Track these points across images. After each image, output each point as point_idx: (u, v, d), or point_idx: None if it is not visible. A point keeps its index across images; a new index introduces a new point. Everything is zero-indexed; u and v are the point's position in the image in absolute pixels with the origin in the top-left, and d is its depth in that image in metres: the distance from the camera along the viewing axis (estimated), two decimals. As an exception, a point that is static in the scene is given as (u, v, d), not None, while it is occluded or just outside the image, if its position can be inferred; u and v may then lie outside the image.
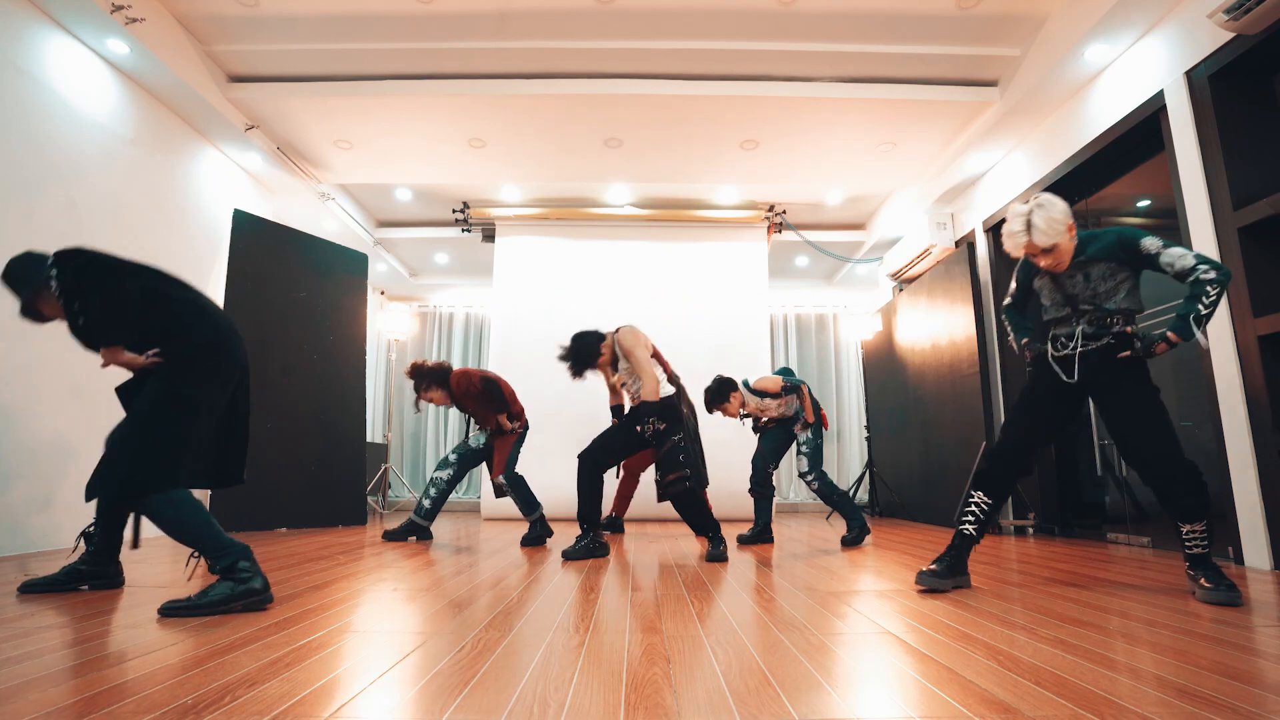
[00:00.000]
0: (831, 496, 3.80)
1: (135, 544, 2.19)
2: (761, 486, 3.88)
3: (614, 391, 3.71)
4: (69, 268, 1.93)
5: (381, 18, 3.93)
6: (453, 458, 4.03)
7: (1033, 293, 2.51)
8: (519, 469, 4.83)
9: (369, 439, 6.76)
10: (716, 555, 3.06)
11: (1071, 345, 2.32)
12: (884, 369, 6.86)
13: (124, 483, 1.89)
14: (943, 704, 1.15)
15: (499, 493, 3.99)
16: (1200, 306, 2.11)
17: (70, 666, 1.35)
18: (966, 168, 5.12)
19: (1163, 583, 2.48)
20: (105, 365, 2.00)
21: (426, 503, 4.00)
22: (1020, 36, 4.04)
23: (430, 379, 4.04)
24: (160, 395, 1.96)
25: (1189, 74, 3.27)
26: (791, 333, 8.12)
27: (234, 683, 1.24)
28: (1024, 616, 1.87)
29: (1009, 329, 2.64)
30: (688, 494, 3.15)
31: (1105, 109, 3.87)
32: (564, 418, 5.99)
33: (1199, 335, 2.13)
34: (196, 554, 2.03)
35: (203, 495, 4.33)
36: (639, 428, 3.18)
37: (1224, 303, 3.07)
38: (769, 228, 6.56)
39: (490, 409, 3.98)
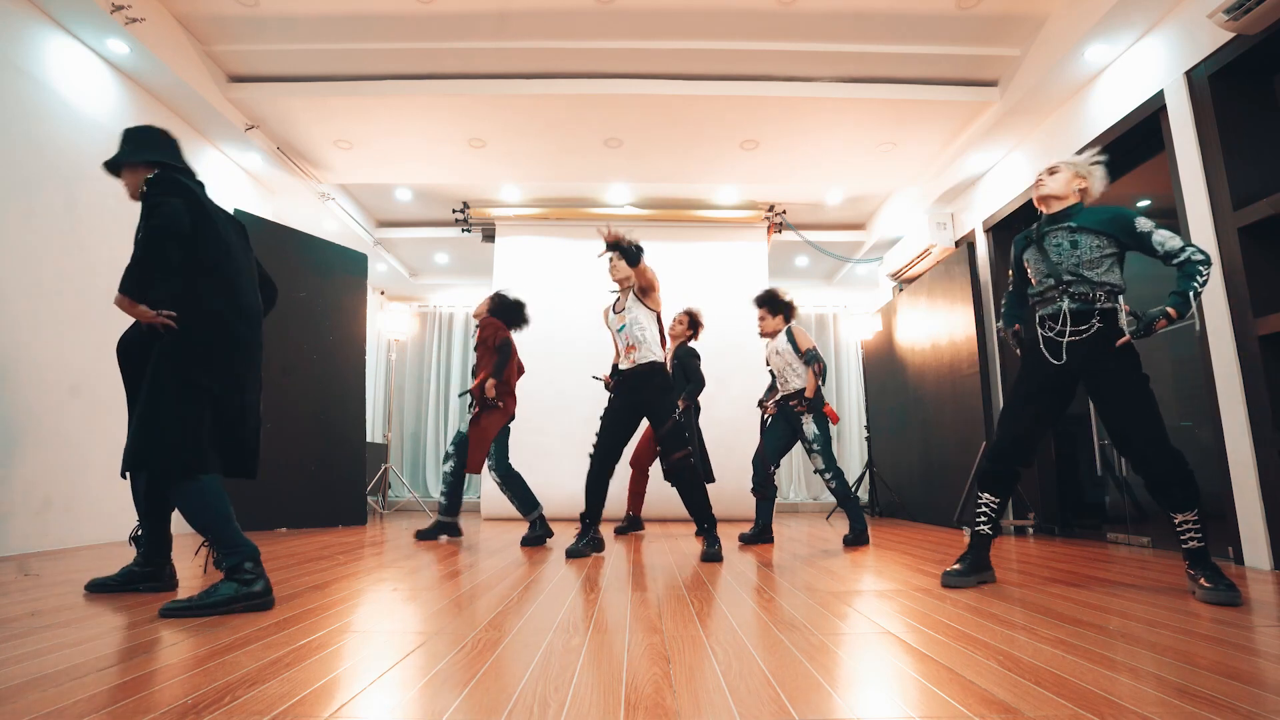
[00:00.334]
0: (848, 497, 3.79)
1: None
2: (763, 487, 3.88)
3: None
4: (167, 180, 1.97)
5: (381, 18, 3.94)
6: (451, 449, 4.06)
7: (1025, 273, 2.55)
8: (517, 468, 4.82)
9: (369, 439, 6.76)
10: (712, 555, 3.07)
11: (1059, 327, 2.35)
12: (884, 369, 6.86)
13: (141, 462, 1.90)
14: (943, 704, 1.15)
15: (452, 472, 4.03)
16: (1196, 284, 2.19)
17: (70, 667, 1.35)
18: (966, 168, 5.12)
19: (1163, 583, 2.48)
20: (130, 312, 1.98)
21: (444, 500, 4.05)
22: (1020, 36, 4.04)
23: (496, 304, 4.17)
24: (162, 378, 1.93)
25: (1189, 74, 3.27)
26: (791, 333, 8.11)
27: (234, 683, 1.24)
28: (1024, 616, 1.87)
29: (1001, 314, 2.69)
30: (693, 472, 3.18)
31: (1105, 109, 3.87)
32: (564, 418, 5.99)
33: (1192, 309, 2.21)
34: (207, 543, 2.02)
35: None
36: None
37: (1224, 303, 3.07)
38: (769, 228, 6.56)
39: (486, 365, 3.96)
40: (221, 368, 2.00)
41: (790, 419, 3.91)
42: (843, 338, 8.09)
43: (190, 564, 2.84)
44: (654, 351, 3.30)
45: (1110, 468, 4.22)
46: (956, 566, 2.44)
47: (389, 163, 5.43)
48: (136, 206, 3.94)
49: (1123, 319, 2.29)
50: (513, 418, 4.07)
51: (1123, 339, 2.26)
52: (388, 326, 7.36)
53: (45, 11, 3.41)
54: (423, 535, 4.04)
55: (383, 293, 8.02)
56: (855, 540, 3.76)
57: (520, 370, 4.16)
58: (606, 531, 4.56)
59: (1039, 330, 2.43)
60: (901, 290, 6.55)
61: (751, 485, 3.91)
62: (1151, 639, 1.62)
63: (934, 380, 5.68)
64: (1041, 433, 2.44)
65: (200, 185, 2.17)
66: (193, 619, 1.81)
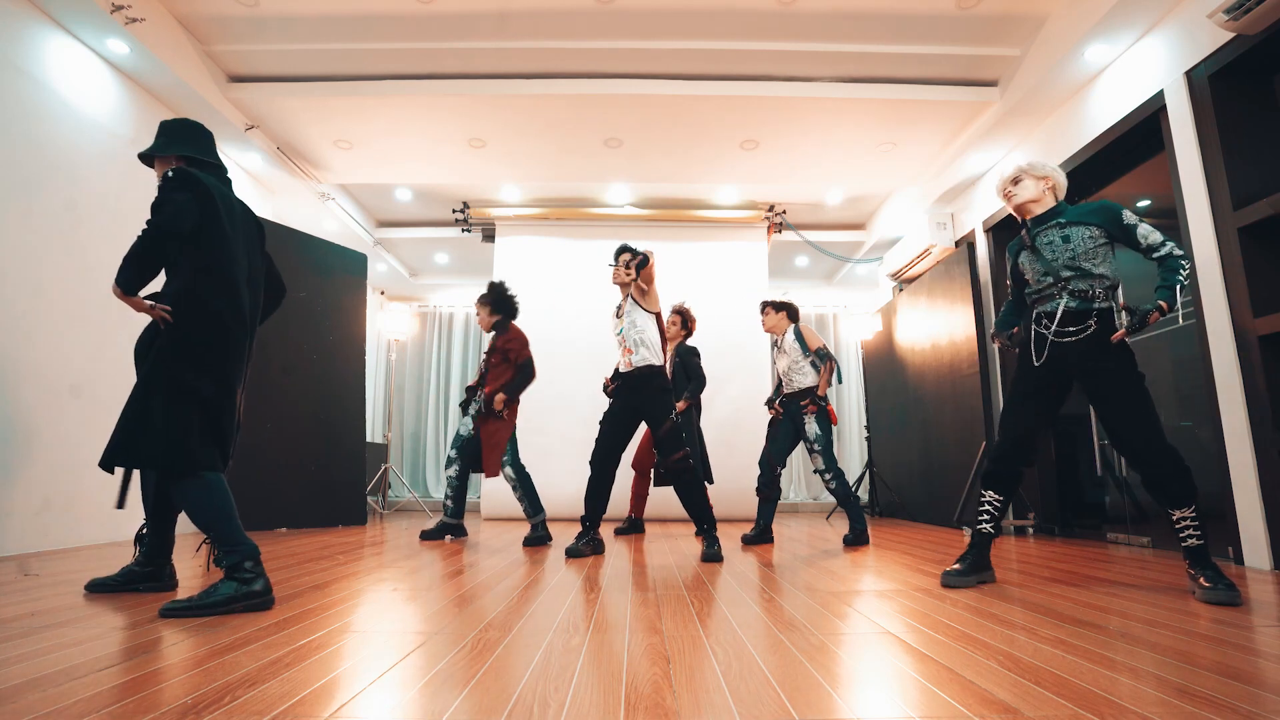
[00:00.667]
0: (848, 498, 3.80)
1: (120, 504, 2.16)
2: (769, 488, 3.88)
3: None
4: (181, 175, 1.99)
5: (381, 18, 3.93)
6: (453, 453, 4.07)
7: (1022, 279, 2.56)
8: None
9: (369, 439, 6.76)
10: (712, 555, 3.07)
11: (1055, 324, 2.37)
12: (884, 369, 6.86)
13: (122, 457, 1.90)
14: (943, 704, 1.15)
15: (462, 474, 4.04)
16: (1180, 277, 2.23)
17: (70, 667, 1.35)
18: (966, 168, 5.12)
19: (1163, 583, 2.48)
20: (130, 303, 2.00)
21: (449, 504, 4.07)
22: (1020, 36, 4.03)
23: (499, 304, 4.14)
24: (156, 375, 1.94)
25: (1189, 74, 3.27)
26: (791, 333, 8.11)
27: (234, 683, 1.24)
28: (1024, 616, 1.87)
29: (996, 322, 2.72)
30: (691, 474, 3.19)
31: (1105, 109, 3.87)
32: (564, 418, 5.99)
33: (1177, 303, 2.25)
34: (208, 541, 2.02)
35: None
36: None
37: (1224, 303, 3.07)
38: (769, 228, 6.56)
39: (504, 380, 3.97)
40: (214, 368, 2.00)
41: (795, 419, 3.91)
42: (843, 338, 8.09)
43: (191, 563, 2.84)
44: (653, 354, 3.30)
45: (1110, 468, 4.22)
46: (956, 566, 2.45)
47: (389, 163, 5.43)
48: (134, 209, 3.95)
49: (1120, 316, 2.31)
50: (514, 418, 4.09)
51: (1119, 334, 2.28)
52: (388, 326, 7.36)
53: (45, 11, 3.41)
54: (427, 535, 4.05)
55: (383, 293, 8.02)
56: (855, 540, 3.77)
57: (533, 375, 4.12)
58: (606, 532, 4.56)
59: (1035, 326, 2.45)
60: (901, 290, 6.55)
61: (757, 485, 3.91)
62: (1151, 639, 1.62)
63: (934, 380, 5.68)
64: (1043, 430, 2.46)
65: (225, 181, 2.19)
66: (193, 619, 1.81)
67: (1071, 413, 3.40)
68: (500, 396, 3.92)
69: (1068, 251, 2.36)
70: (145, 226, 1.93)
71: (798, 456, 7.76)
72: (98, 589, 2.20)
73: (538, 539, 3.79)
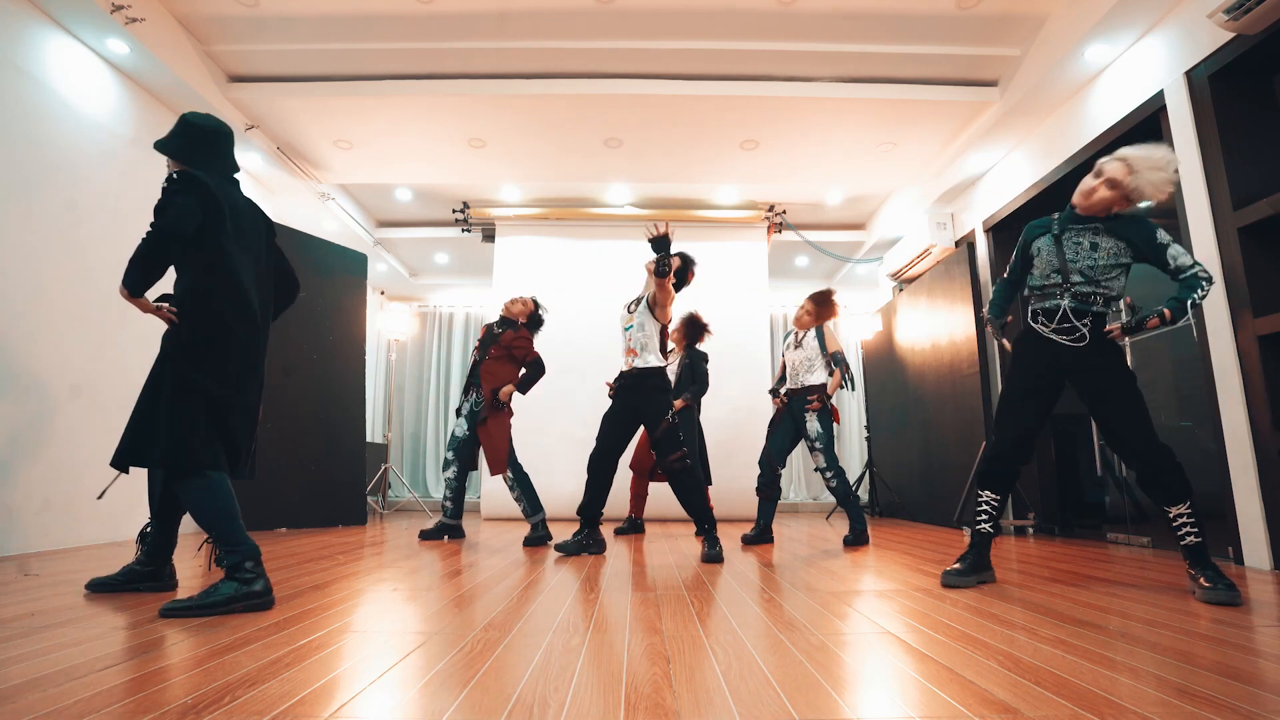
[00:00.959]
0: (848, 497, 3.80)
1: (100, 496, 2.17)
2: (769, 488, 3.88)
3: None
4: (186, 177, 2.00)
5: (381, 18, 3.93)
6: (449, 455, 4.07)
7: (1030, 261, 2.53)
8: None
9: (369, 439, 6.76)
10: (713, 556, 3.06)
11: (1054, 324, 2.37)
12: (884, 369, 6.86)
13: (132, 457, 1.92)
14: (943, 704, 1.15)
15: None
16: (1196, 295, 2.23)
17: (70, 666, 1.35)
18: (966, 168, 5.12)
19: (1163, 583, 2.48)
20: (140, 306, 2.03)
21: (448, 505, 4.10)
22: (1020, 36, 4.03)
23: (534, 319, 4.28)
24: (162, 376, 1.98)
25: (1189, 74, 3.27)
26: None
27: (234, 683, 1.24)
28: (1024, 616, 1.87)
29: (991, 299, 2.70)
30: (690, 473, 3.19)
31: (1105, 109, 3.87)
32: (564, 418, 5.99)
33: (1189, 318, 2.24)
34: (209, 540, 2.04)
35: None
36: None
37: (1224, 303, 3.07)
38: (769, 228, 6.56)
39: (501, 374, 4.00)
40: (218, 367, 2.02)
41: (796, 417, 3.91)
42: (843, 338, 8.09)
43: (191, 564, 2.84)
44: (654, 358, 3.33)
45: (1110, 468, 4.22)
46: (956, 566, 2.45)
47: (389, 163, 5.43)
48: (134, 209, 3.95)
49: (1112, 322, 2.33)
50: (512, 416, 4.12)
51: (1112, 328, 2.29)
52: (388, 326, 7.36)
53: (45, 11, 3.41)
54: (426, 535, 4.06)
55: (383, 293, 8.02)
56: (855, 540, 3.76)
57: (543, 371, 4.20)
58: (606, 532, 4.56)
59: (1034, 325, 2.45)
60: (901, 290, 6.55)
61: (757, 485, 3.91)
62: (1151, 639, 1.62)
63: (934, 380, 5.68)
64: (1040, 430, 2.46)
65: (232, 180, 2.20)
66: (193, 619, 1.81)
67: (1072, 413, 3.39)
68: (507, 389, 3.95)
69: (1090, 259, 2.34)
70: (149, 229, 1.95)
71: (798, 456, 7.76)
72: (99, 588, 2.21)
73: (538, 539, 3.79)
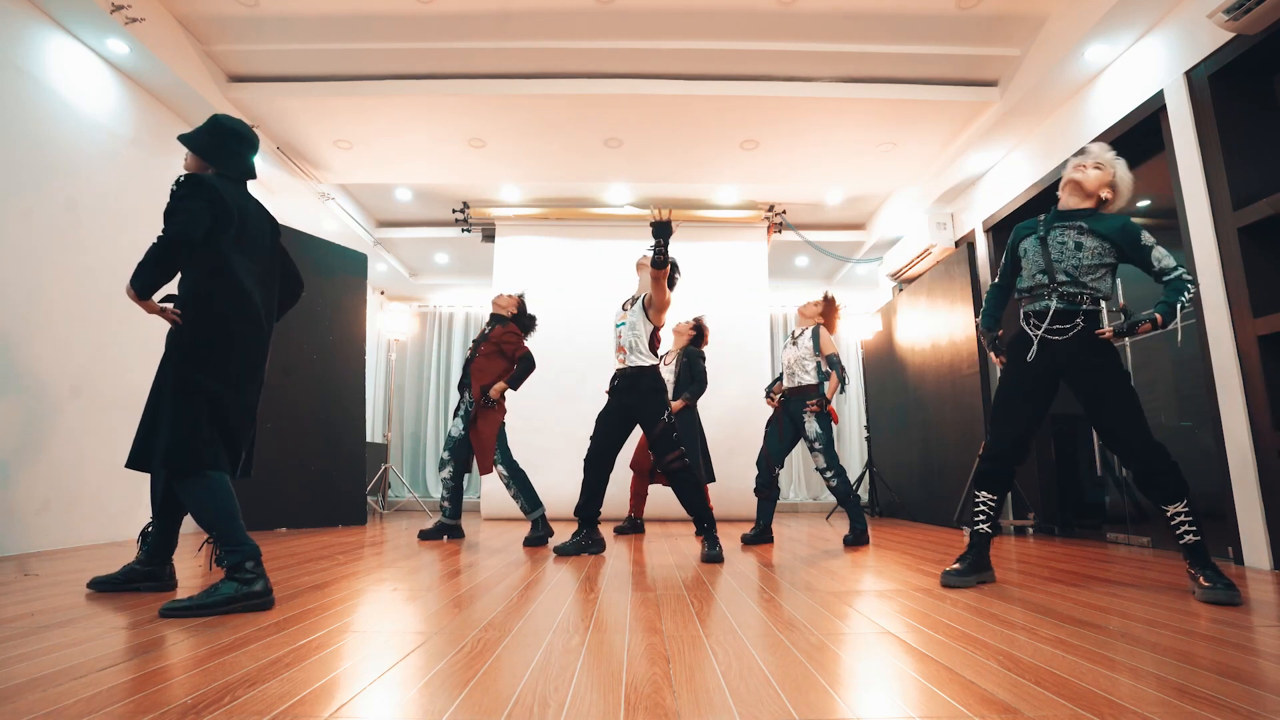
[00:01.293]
0: (848, 497, 3.80)
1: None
2: (767, 488, 3.88)
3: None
4: (195, 180, 2.01)
5: (381, 18, 3.93)
6: (446, 455, 4.07)
7: (1019, 263, 2.56)
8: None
9: (369, 439, 6.75)
10: (713, 556, 3.06)
11: (1044, 325, 2.38)
12: (884, 369, 6.86)
13: (144, 459, 1.95)
14: (943, 704, 1.15)
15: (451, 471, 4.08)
16: (1183, 298, 2.26)
17: (70, 666, 1.35)
18: (966, 168, 5.12)
19: (1163, 583, 2.48)
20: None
21: (446, 505, 4.10)
22: (1020, 36, 4.03)
23: (522, 315, 4.25)
24: (165, 377, 2.00)
25: (1189, 74, 3.27)
26: (791, 333, 8.12)
27: (234, 683, 1.24)
28: (1024, 616, 1.87)
29: (983, 308, 2.72)
30: (688, 473, 3.19)
31: (1105, 109, 3.87)
32: (564, 417, 5.98)
33: (1176, 322, 2.27)
34: (210, 540, 2.05)
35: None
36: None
37: (1224, 303, 3.07)
38: (769, 228, 6.56)
39: (493, 370, 4.00)
40: (220, 368, 2.03)
41: (794, 417, 3.91)
42: (843, 338, 8.08)
43: (191, 564, 2.84)
44: (645, 358, 3.33)
45: (1110, 468, 4.22)
46: (956, 566, 2.45)
47: (389, 163, 5.43)
48: (134, 209, 3.96)
49: (1105, 318, 2.34)
50: (505, 413, 4.11)
51: (1104, 330, 2.31)
52: (388, 326, 7.36)
53: (45, 11, 3.41)
54: (425, 535, 4.06)
55: (383, 293, 8.02)
56: (855, 540, 3.77)
57: (534, 366, 4.19)
58: (606, 532, 4.56)
59: (1025, 327, 2.45)
60: (901, 290, 6.55)
61: (755, 486, 3.91)
62: (1151, 639, 1.62)
63: (934, 380, 5.68)
64: (1037, 430, 2.47)
65: (242, 185, 2.21)
66: (193, 619, 1.81)
67: (1071, 413, 3.40)
68: (499, 386, 3.96)
69: (1074, 259, 2.37)
70: (160, 234, 1.97)
71: (798, 456, 7.76)
72: (100, 586, 2.22)
73: (538, 538, 3.78)
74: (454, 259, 7.55)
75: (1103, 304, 2.39)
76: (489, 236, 6.64)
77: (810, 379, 3.89)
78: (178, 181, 2.03)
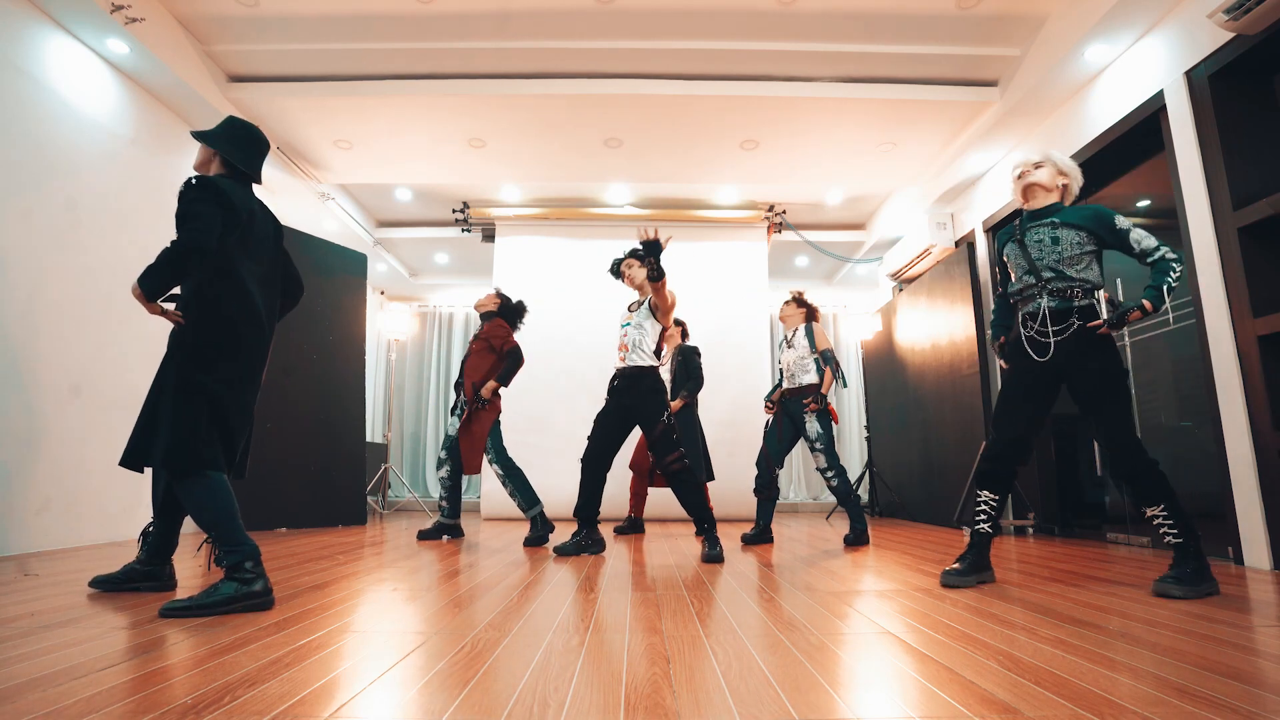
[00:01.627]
0: (849, 497, 3.80)
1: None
2: (767, 488, 3.88)
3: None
4: (204, 183, 2.01)
5: (381, 18, 3.93)
6: (443, 454, 4.07)
7: (1007, 269, 2.59)
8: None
9: (369, 439, 6.76)
10: (713, 557, 3.06)
11: (1039, 325, 2.40)
12: (884, 369, 6.86)
13: (139, 458, 1.95)
14: (943, 704, 1.15)
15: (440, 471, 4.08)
16: (1169, 279, 2.25)
17: (70, 666, 1.35)
18: (966, 168, 5.12)
19: (1163, 583, 2.48)
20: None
21: (445, 505, 4.10)
22: (1020, 36, 4.03)
23: (506, 307, 4.24)
24: (167, 376, 2.00)
25: (1189, 74, 3.27)
26: (791, 333, 8.12)
27: (234, 683, 1.24)
28: (1024, 616, 1.87)
29: (991, 323, 2.75)
30: (688, 474, 3.19)
31: (1105, 109, 3.87)
32: (564, 417, 5.99)
33: (1166, 305, 2.24)
34: (209, 540, 2.05)
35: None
36: None
37: (1224, 303, 3.07)
38: (769, 228, 6.56)
39: (487, 367, 4.00)
40: (223, 369, 2.04)
41: (795, 418, 3.91)
42: (843, 338, 8.08)
43: (191, 564, 2.84)
44: (648, 358, 3.33)
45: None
46: (956, 566, 2.45)
47: (389, 163, 5.43)
48: (134, 209, 3.96)
49: (1102, 309, 2.35)
50: (500, 411, 4.10)
51: (1096, 323, 2.31)
52: (388, 326, 7.36)
53: (45, 11, 3.41)
54: (424, 535, 4.06)
55: (383, 293, 8.02)
56: (856, 540, 3.77)
57: (522, 361, 4.18)
58: (606, 531, 4.56)
59: (1022, 329, 2.46)
60: (901, 290, 6.55)
61: (755, 486, 3.91)
62: (1151, 639, 1.62)
63: (934, 380, 5.68)
64: (1038, 430, 2.47)
65: (248, 187, 2.22)
66: (193, 619, 1.81)
67: (1072, 413, 3.40)
68: (491, 385, 3.95)
69: (1054, 253, 2.39)
70: (174, 239, 1.96)
71: (798, 456, 7.76)
72: (101, 585, 2.23)
73: (538, 538, 3.78)
74: (454, 259, 7.55)
75: (1098, 295, 2.38)
76: (489, 236, 6.64)
77: (812, 378, 3.89)
78: (187, 183, 2.03)
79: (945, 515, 5.26)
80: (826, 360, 3.87)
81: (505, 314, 4.26)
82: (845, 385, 4.01)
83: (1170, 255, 2.27)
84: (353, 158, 5.31)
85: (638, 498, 4.63)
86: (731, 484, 5.72)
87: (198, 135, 2.20)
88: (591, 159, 5.38)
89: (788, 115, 4.69)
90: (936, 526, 5.31)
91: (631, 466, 4.62)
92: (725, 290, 6.36)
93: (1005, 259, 2.57)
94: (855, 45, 4.13)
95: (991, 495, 2.49)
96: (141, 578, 2.24)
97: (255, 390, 2.18)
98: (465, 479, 5.92)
